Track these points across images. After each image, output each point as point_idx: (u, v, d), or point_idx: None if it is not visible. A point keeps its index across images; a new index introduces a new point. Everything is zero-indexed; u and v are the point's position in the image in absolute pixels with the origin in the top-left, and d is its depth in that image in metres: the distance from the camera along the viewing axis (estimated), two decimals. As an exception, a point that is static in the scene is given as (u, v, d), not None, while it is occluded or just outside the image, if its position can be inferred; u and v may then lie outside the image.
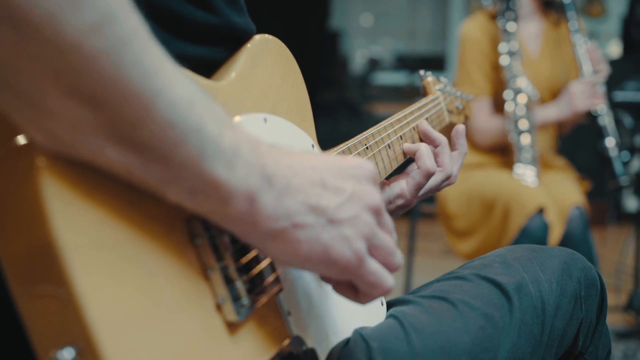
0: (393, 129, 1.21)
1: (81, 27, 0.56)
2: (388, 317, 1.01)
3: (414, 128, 1.28)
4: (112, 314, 0.60)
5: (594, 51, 2.89)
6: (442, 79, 1.52)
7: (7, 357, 0.73)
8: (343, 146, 1.08)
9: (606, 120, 2.80)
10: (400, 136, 1.23)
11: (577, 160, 3.21)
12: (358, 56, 7.92)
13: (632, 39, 5.23)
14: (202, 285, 0.72)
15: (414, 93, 6.65)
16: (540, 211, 2.59)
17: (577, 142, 3.79)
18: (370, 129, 1.16)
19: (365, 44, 8.11)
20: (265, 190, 0.70)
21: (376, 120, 1.12)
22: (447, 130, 1.40)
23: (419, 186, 1.21)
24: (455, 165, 1.29)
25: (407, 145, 1.24)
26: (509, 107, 2.83)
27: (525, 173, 2.79)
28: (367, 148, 1.12)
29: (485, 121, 2.90)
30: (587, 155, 4.06)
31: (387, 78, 7.41)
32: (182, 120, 0.63)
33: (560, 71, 2.99)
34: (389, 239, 0.80)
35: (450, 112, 1.49)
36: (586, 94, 2.80)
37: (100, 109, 0.59)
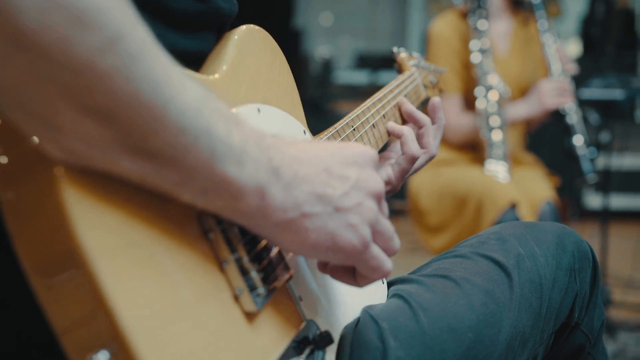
0: (376, 109, 1.22)
1: (92, 47, 0.57)
2: (393, 295, 1.04)
3: (395, 106, 1.29)
4: (141, 313, 0.61)
5: (563, 50, 2.94)
6: (415, 54, 1.53)
7: None
8: (332, 129, 1.09)
9: (574, 118, 2.84)
10: (383, 115, 1.24)
11: (540, 157, 3.25)
12: (318, 55, 7.93)
13: (592, 38, 5.32)
14: (218, 278, 0.73)
15: (375, 92, 6.66)
16: (513, 206, 2.63)
17: (540, 140, 3.84)
18: (355, 110, 1.17)
19: (325, 43, 8.12)
20: (274, 183, 0.72)
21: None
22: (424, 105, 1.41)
23: (405, 172, 1.23)
24: (435, 141, 1.31)
25: (392, 126, 1.25)
26: (480, 104, 2.86)
27: (497, 169, 2.82)
28: (354, 130, 1.14)
29: (456, 118, 2.93)
30: (550, 153, 4.11)
31: (349, 77, 7.43)
32: (192, 125, 0.64)
33: (529, 70, 3.03)
34: (389, 224, 0.83)
35: (425, 86, 1.50)
36: (555, 92, 2.84)
37: (114, 123, 0.60)
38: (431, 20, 3.19)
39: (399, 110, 1.31)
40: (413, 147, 1.21)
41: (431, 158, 1.29)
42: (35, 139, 0.60)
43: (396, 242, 0.84)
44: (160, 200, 0.68)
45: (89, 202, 0.61)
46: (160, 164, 0.64)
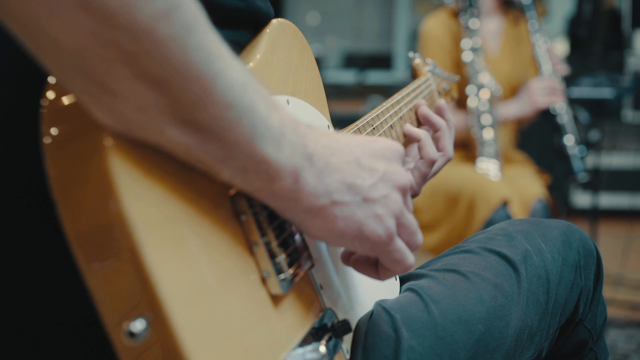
0: (394, 110, 1.24)
1: (152, 13, 0.59)
2: (405, 290, 1.06)
3: (411, 109, 1.31)
4: (178, 285, 0.63)
5: (553, 51, 2.96)
6: (429, 60, 1.56)
7: (77, 338, 0.75)
8: (353, 127, 1.10)
9: (565, 118, 2.86)
10: (400, 117, 1.26)
11: (528, 155, 3.27)
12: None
13: (579, 37, 5.35)
14: (248, 260, 0.75)
15: (363, 91, 6.68)
16: (504, 204, 2.64)
17: (528, 138, 3.86)
18: (373, 111, 1.19)
19: (312, 42, 8.12)
20: (307, 169, 0.74)
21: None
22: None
23: (425, 175, 1.24)
24: (451, 143, 1.33)
25: (409, 129, 1.26)
26: (472, 102, 2.87)
27: (488, 167, 2.84)
28: (374, 129, 1.15)
29: (448, 116, 2.93)
30: (538, 151, 4.14)
31: (336, 76, 7.43)
32: (238, 101, 0.66)
33: (519, 68, 3.04)
34: (413, 218, 0.85)
35: (439, 93, 1.53)
36: (546, 91, 2.86)
37: (166, 92, 0.62)
38: (417, 20, 3.20)
39: (415, 113, 1.33)
40: (431, 150, 1.23)
41: (448, 160, 1.30)
42: (88, 104, 0.62)
43: (419, 237, 0.86)
44: (197, 180, 0.70)
45: (135, 174, 0.63)
46: (204, 137, 0.66)
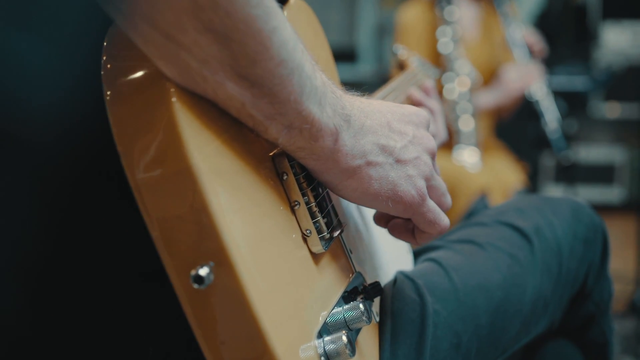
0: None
1: None
2: (425, 260, 1.09)
3: (407, 97, 1.32)
4: (238, 233, 0.65)
5: (530, 36, 2.97)
6: (413, 52, 1.58)
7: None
8: None
9: (544, 102, 2.87)
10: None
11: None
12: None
13: (547, 31, 5.39)
14: (290, 218, 0.78)
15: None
16: (485, 193, 2.63)
17: (501, 129, 3.88)
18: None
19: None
20: (345, 130, 0.76)
21: None
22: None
23: None
24: (444, 126, 1.36)
25: None
26: (450, 91, 2.86)
27: (468, 156, 2.83)
28: None
29: (426, 106, 2.92)
30: (511, 143, 4.15)
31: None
32: (290, 58, 0.68)
33: (499, 53, 3.05)
34: (442, 181, 0.89)
35: None
36: (518, 76, 2.87)
37: (228, 45, 0.64)
38: (385, 14, 3.19)
39: (410, 101, 1.35)
40: (432, 127, 1.24)
41: (441, 143, 1.32)
42: (153, 54, 0.64)
43: (449, 198, 0.90)
44: (244, 138, 0.73)
45: (196, 125, 0.65)
46: (258, 93, 0.67)
